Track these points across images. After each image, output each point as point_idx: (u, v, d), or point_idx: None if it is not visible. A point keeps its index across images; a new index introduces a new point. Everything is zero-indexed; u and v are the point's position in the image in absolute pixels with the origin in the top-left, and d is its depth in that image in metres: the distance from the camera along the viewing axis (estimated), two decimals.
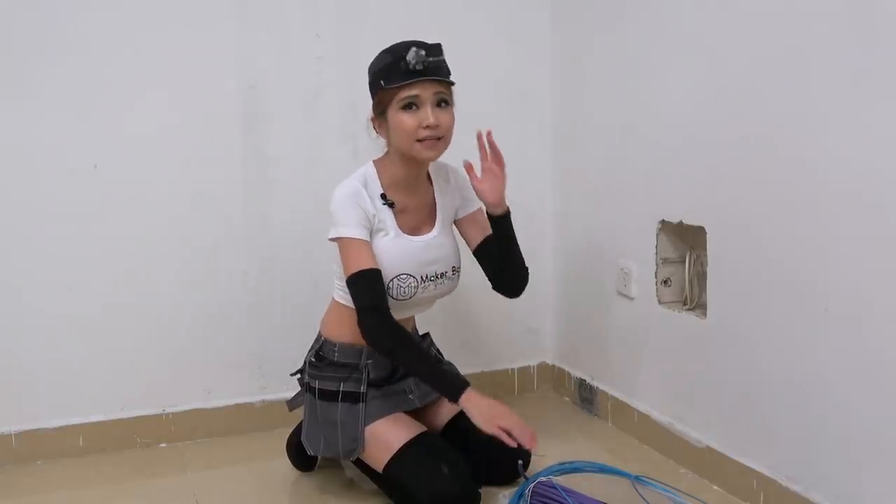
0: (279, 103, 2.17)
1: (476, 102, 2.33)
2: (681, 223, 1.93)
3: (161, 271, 2.12)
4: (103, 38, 2.01)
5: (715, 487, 1.83)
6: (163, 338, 2.14)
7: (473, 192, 1.83)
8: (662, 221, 1.99)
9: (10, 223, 1.99)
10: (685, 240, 2.01)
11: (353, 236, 1.70)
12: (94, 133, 2.03)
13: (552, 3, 2.40)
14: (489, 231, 1.85)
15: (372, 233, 1.74)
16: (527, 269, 1.88)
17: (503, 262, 1.86)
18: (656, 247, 2.02)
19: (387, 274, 1.73)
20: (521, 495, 1.67)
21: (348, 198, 1.72)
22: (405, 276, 1.75)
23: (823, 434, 1.56)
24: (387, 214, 1.76)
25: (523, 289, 1.89)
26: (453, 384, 1.69)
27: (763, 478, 1.70)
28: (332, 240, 1.74)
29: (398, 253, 1.75)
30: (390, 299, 1.74)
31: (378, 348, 1.73)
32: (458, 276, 1.88)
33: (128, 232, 2.08)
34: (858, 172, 1.45)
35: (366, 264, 1.69)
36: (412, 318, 1.94)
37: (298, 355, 1.94)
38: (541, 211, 2.47)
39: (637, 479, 1.78)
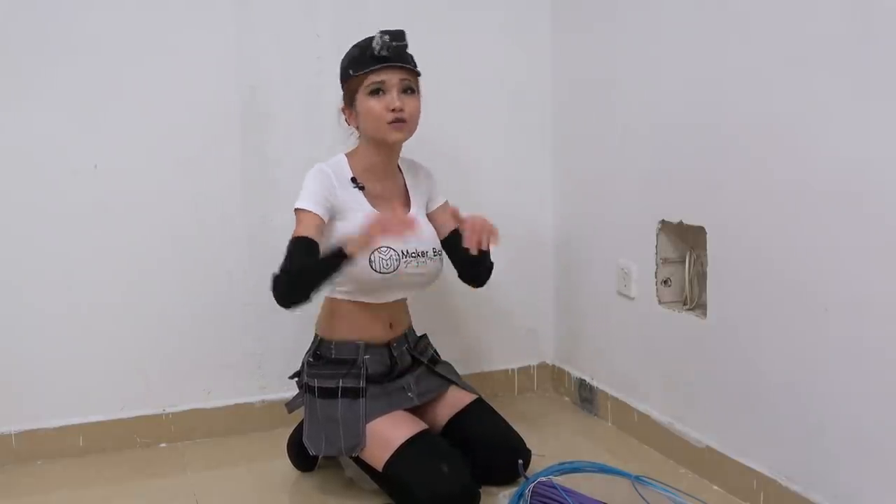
0: (279, 103, 2.17)
1: (476, 102, 2.35)
2: (681, 223, 1.93)
3: (161, 271, 2.12)
4: (104, 39, 2.02)
5: (715, 487, 1.83)
6: (163, 338, 2.14)
7: (438, 187, 1.96)
8: (662, 221, 1.99)
9: (11, 223, 1.99)
10: (685, 240, 2.01)
11: (306, 208, 1.76)
12: (95, 133, 2.03)
13: (552, 3, 2.40)
14: (455, 225, 1.90)
15: (334, 214, 1.78)
16: (492, 263, 1.96)
17: (472, 262, 1.91)
18: (656, 247, 2.02)
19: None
20: (521, 495, 1.67)
21: (314, 177, 1.79)
22: (385, 248, 1.77)
23: (823, 434, 1.56)
24: (358, 196, 1.82)
25: (486, 282, 1.99)
26: (338, 250, 1.69)
27: (763, 478, 1.70)
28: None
29: None
30: (374, 273, 1.76)
31: (286, 293, 1.69)
32: (441, 260, 1.90)
33: (128, 232, 2.08)
34: (859, 172, 1.45)
35: (307, 233, 1.73)
36: (406, 313, 1.95)
37: (298, 355, 1.94)
38: (541, 211, 2.47)
39: (637, 479, 1.77)
